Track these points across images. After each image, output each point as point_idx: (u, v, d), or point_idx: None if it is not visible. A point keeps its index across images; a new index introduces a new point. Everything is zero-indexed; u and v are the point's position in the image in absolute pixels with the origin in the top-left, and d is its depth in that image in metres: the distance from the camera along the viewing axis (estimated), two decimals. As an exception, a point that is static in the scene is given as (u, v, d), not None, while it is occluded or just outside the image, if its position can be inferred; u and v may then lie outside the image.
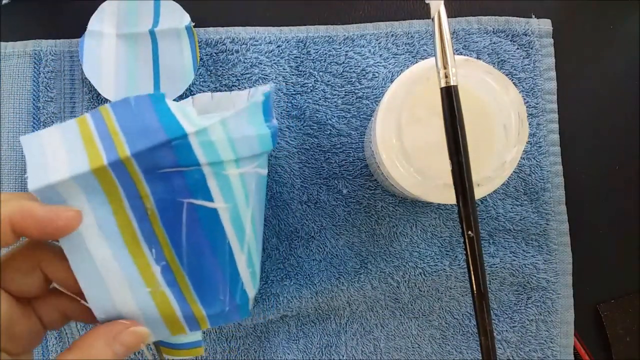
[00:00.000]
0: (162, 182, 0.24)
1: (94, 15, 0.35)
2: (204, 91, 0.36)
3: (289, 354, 0.35)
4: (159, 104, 0.24)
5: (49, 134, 0.24)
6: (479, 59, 0.35)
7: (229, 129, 0.25)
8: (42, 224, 0.21)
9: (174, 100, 0.35)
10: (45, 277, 0.24)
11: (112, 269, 0.24)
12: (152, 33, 0.35)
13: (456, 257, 0.36)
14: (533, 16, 0.37)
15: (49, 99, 0.36)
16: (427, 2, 0.23)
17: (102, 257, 0.24)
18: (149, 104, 0.24)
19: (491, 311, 0.32)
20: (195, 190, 0.25)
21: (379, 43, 0.36)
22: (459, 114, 0.23)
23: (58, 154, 0.23)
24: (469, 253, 0.22)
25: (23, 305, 0.24)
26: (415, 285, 0.36)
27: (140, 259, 0.25)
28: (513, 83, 0.27)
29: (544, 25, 0.37)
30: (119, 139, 0.23)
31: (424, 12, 0.37)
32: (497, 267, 0.35)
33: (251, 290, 0.28)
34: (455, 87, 0.23)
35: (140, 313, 0.25)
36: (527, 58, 0.36)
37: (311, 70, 0.36)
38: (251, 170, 0.27)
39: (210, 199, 0.25)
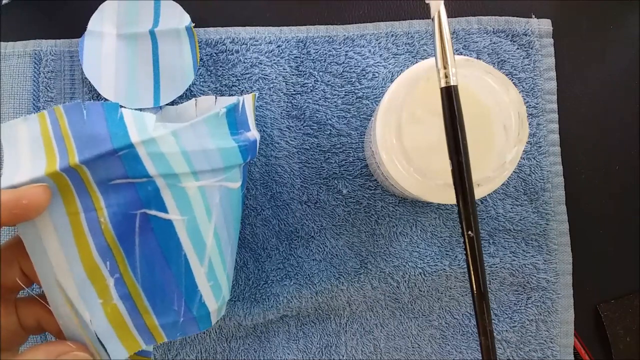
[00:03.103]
0: (115, 194, 0.24)
1: (94, 15, 0.35)
2: (204, 91, 0.36)
3: (289, 354, 0.35)
4: (112, 112, 0.24)
5: (18, 127, 0.24)
6: (479, 59, 0.35)
7: (182, 141, 0.25)
8: (8, 206, 0.21)
9: (176, 101, 0.35)
10: (22, 272, 0.25)
11: (67, 277, 0.24)
12: (152, 33, 0.35)
13: (456, 257, 0.36)
14: (533, 16, 0.37)
15: (49, 99, 0.36)
16: (427, 2, 0.23)
17: (58, 264, 0.24)
18: (101, 111, 0.24)
19: (491, 311, 0.32)
20: (149, 201, 0.24)
21: (379, 43, 0.36)
22: (459, 114, 0.23)
23: (25, 151, 0.23)
24: (469, 253, 0.22)
25: (5, 302, 0.24)
26: (415, 285, 0.36)
27: (94, 272, 0.24)
28: (513, 83, 0.27)
29: (544, 25, 0.37)
30: (70, 144, 0.23)
31: (424, 12, 0.37)
32: (497, 267, 0.35)
33: (213, 303, 0.28)
34: (455, 87, 0.23)
35: (91, 324, 0.25)
36: (527, 58, 0.36)
37: (311, 70, 0.36)
38: (214, 184, 0.26)
39: (165, 210, 0.25)
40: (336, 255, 0.35)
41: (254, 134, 0.29)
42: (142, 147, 0.23)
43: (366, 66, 0.36)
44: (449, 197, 0.26)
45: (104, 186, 0.24)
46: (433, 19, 0.23)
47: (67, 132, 0.23)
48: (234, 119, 0.28)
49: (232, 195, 0.28)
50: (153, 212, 0.25)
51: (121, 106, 0.35)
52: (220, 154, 0.26)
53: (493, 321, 0.36)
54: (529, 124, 0.36)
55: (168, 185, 0.25)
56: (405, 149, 0.26)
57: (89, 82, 0.35)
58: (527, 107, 0.36)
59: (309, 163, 0.36)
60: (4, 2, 0.37)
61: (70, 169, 0.23)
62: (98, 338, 0.25)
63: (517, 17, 0.37)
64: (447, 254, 0.36)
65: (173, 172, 0.24)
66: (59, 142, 0.23)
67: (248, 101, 0.30)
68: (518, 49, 0.36)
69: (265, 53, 0.36)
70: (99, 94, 0.35)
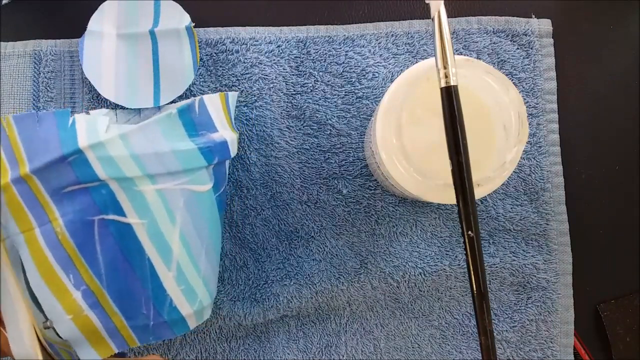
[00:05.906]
0: (69, 202, 0.24)
1: (94, 15, 0.35)
2: (204, 91, 0.36)
3: (289, 354, 0.35)
4: (63, 120, 0.24)
5: None
6: (479, 59, 0.35)
7: (131, 144, 0.24)
8: None
9: (175, 101, 0.35)
10: None
11: (22, 306, 0.24)
12: (152, 33, 0.35)
13: (456, 257, 0.36)
14: (533, 16, 0.37)
15: (49, 99, 0.36)
16: (427, 2, 0.23)
17: (14, 289, 0.24)
18: (53, 120, 0.24)
19: (491, 311, 0.32)
20: (105, 206, 0.24)
21: (379, 43, 0.36)
22: (459, 114, 0.23)
23: None
24: (469, 253, 0.22)
25: None
26: (415, 285, 0.36)
27: (58, 287, 0.24)
28: (513, 83, 0.27)
29: (544, 25, 0.37)
30: (20, 154, 0.23)
31: (424, 12, 0.37)
32: (497, 267, 0.35)
33: (186, 308, 0.27)
34: (455, 87, 0.23)
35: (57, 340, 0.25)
36: (527, 58, 0.36)
37: (311, 70, 0.36)
38: (174, 187, 0.26)
39: (122, 214, 0.25)
40: (336, 255, 0.35)
41: (223, 134, 0.29)
42: (91, 152, 0.23)
43: (366, 66, 0.36)
44: (449, 197, 0.26)
45: (57, 195, 0.24)
46: (433, 19, 0.23)
47: (17, 142, 0.23)
48: (190, 120, 0.27)
49: (201, 198, 0.28)
50: (111, 217, 0.24)
51: (107, 109, 0.35)
52: (175, 156, 0.26)
53: (493, 321, 0.36)
54: (529, 124, 0.36)
55: (123, 189, 0.24)
56: (405, 149, 0.26)
57: (89, 82, 0.35)
58: (527, 107, 0.36)
59: (309, 163, 0.36)
60: (4, 2, 0.37)
61: (20, 179, 0.23)
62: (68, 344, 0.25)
63: (517, 17, 0.37)
64: (447, 254, 0.36)
65: (124, 175, 0.24)
66: (8, 153, 0.23)
67: (213, 101, 0.29)
68: (518, 49, 0.36)
69: (265, 53, 0.36)
70: (99, 94, 0.35)
